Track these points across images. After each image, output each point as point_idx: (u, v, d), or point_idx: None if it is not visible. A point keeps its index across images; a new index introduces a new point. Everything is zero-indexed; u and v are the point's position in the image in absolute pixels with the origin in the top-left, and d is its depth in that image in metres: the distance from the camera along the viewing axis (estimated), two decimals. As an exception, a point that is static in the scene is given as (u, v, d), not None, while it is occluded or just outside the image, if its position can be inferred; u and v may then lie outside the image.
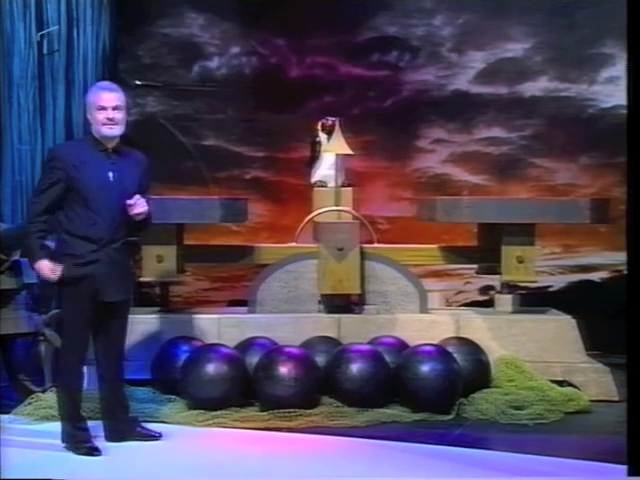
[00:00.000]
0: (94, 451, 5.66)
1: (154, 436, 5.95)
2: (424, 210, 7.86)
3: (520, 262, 7.34)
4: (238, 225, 8.62)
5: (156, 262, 7.19)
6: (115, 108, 5.61)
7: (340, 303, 7.46)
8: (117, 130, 5.63)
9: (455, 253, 7.75)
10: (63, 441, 5.75)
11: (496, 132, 9.42)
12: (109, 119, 5.58)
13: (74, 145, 5.81)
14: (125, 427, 5.91)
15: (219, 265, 8.67)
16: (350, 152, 7.84)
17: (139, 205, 5.60)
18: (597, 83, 9.30)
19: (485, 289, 9.06)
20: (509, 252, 7.35)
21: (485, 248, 7.62)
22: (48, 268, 5.57)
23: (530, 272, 7.38)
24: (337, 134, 7.80)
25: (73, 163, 5.55)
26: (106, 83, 5.88)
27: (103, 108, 5.59)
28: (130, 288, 5.94)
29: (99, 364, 5.87)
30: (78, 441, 5.71)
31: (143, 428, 5.99)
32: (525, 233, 7.34)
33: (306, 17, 9.23)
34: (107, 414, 5.91)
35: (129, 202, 5.58)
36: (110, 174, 5.61)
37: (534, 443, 5.86)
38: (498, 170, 9.38)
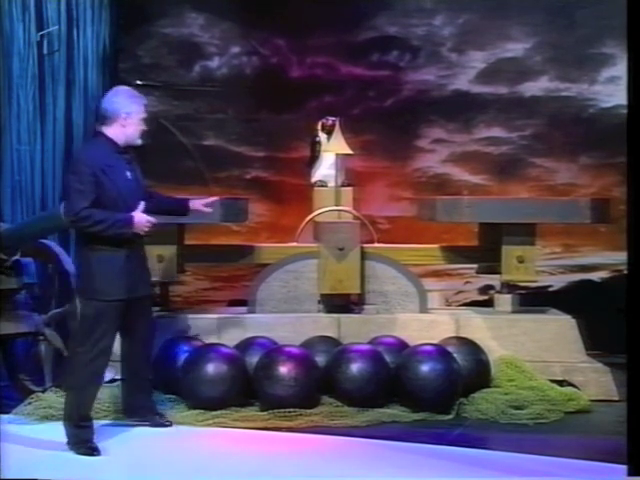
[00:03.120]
0: (94, 451, 5.68)
1: (166, 424, 6.20)
2: (424, 210, 7.86)
3: (520, 262, 7.34)
4: (238, 225, 8.62)
5: (156, 262, 7.18)
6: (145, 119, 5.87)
7: (340, 303, 7.46)
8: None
9: (455, 253, 7.75)
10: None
11: (496, 132, 9.41)
12: (144, 130, 5.84)
13: (95, 148, 5.83)
14: (143, 407, 6.18)
15: (219, 265, 8.68)
16: (350, 152, 7.84)
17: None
18: (597, 83, 9.29)
19: (485, 289, 9.05)
20: (509, 252, 7.35)
21: (485, 248, 7.62)
22: (145, 219, 5.70)
23: (530, 272, 7.38)
24: (337, 134, 7.81)
25: (100, 166, 5.66)
26: (136, 92, 5.98)
27: (144, 120, 5.82)
28: (151, 283, 6.21)
29: (126, 362, 6.06)
30: (79, 440, 5.73)
31: (158, 416, 6.24)
32: (525, 233, 7.34)
33: (306, 17, 9.22)
34: (131, 411, 6.17)
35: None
36: (128, 174, 5.81)
37: (534, 443, 5.87)
38: (498, 170, 9.37)
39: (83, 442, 5.72)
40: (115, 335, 5.84)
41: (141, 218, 5.70)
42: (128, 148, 5.86)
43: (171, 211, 6.27)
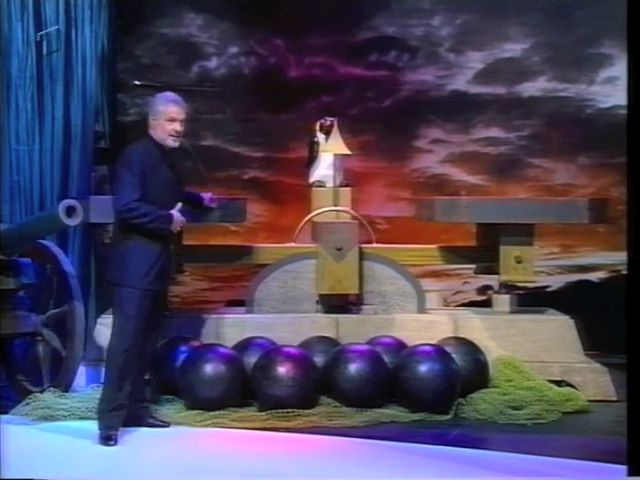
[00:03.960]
0: (109, 440, 5.85)
1: (163, 425, 6.25)
2: (423, 210, 7.86)
3: (518, 262, 7.34)
4: (237, 225, 8.61)
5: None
6: (182, 121, 6.03)
7: (338, 303, 7.46)
8: (179, 142, 6.07)
9: (453, 253, 7.75)
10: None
11: (494, 132, 9.41)
12: (176, 132, 6.01)
13: (145, 148, 6.10)
14: (138, 417, 6.19)
15: (218, 265, 8.68)
16: (348, 152, 7.84)
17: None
18: (596, 83, 9.29)
19: (483, 289, 9.05)
20: (507, 252, 7.35)
21: (484, 248, 7.62)
22: (181, 219, 6.03)
23: (528, 272, 7.39)
24: (335, 134, 7.81)
25: (149, 164, 5.96)
26: (176, 96, 6.18)
27: (173, 120, 6.00)
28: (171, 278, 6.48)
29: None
30: (109, 426, 5.89)
31: (154, 419, 6.28)
32: (523, 233, 7.35)
33: (305, 17, 9.22)
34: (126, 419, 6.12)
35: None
36: (169, 174, 6.08)
37: (532, 443, 5.87)
38: (496, 170, 9.37)
39: (110, 428, 5.88)
40: (144, 324, 5.94)
41: (179, 217, 6.02)
42: (170, 150, 6.07)
43: (190, 204, 6.57)
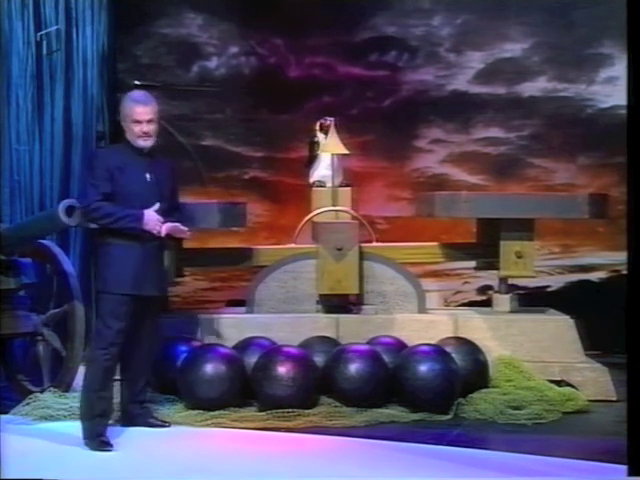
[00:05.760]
0: (106, 445, 5.76)
1: (163, 425, 6.21)
2: (423, 205, 7.86)
3: (519, 257, 7.33)
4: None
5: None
6: (149, 121, 5.90)
7: (338, 303, 7.46)
8: (151, 142, 5.96)
9: (453, 250, 7.74)
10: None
11: (494, 132, 9.42)
12: (144, 132, 5.89)
13: (114, 149, 6.14)
14: (138, 415, 6.17)
15: (218, 268, 8.69)
16: (346, 152, 7.82)
17: (175, 231, 5.96)
18: (595, 83, 9.29)
19: (483, 289, 9.05)
20: (508, 247, 7.35)
21: (484, 244, 7.61)
22: (156, 218, 5.81)
23: (529, 267, 7.38)
24: (332, 134, 7.79)
25: (116, 165, 5.84)
26: (140, 95, 6.08)
27: (138, 122, 5.88)
28: (165, 285, 6.24)
29: (126, 359, 6.04)
30: (93, 434, 5.80)
31: (154, 418, 6.24)
32: (524, 228, 7.34)
33: (304, 17, 9.23)
34: (123, 408, 6.17)
35: (164, 232, 5.88)
36: (147, 175, 5.92)
37: (532, 443, 5.86)
38: (496, 170, 9.38)
39: (96, 436, 5.79)
40: (124, 333, 5.86)
41: (152, 217, 5.80)
42: (152, 152, 5.98)
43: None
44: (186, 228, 6.03)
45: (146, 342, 6.10)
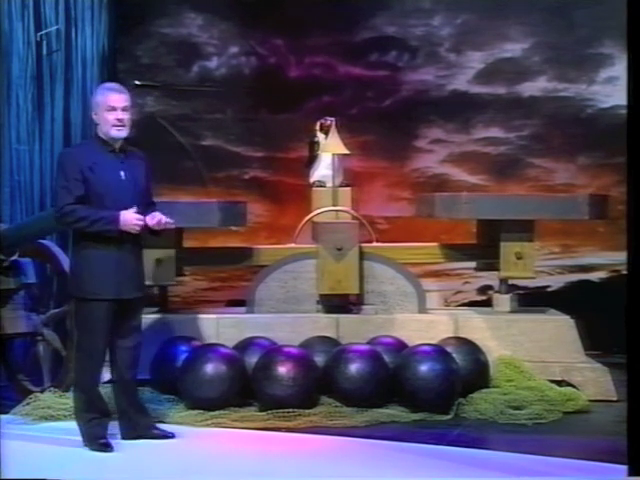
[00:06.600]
0: (106, 447, 5.69)
1: (168, 436, 5.99)
2: (423, 206, 7.86)
3: (519, 258, 7.33)
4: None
5: (155, 265, 7.15)
6: (124, 109, 5.73)
7: (339, 303, 7.46)
8: (125, 132, 5.75)
9: (454, 250, 7.74)
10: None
11: (494, 132, 9.42)
12: (119, 120, 5.69)
13: (83, 148, 5.93)
14: (140, 427, 5.95)
15: (218, 268, 8.69)
16: (346, 152, 7.82)
17: (161, 222, 5.74)
18: (596, 83, 9.30)
19: (483, 289, 9.06)
20: (508, 248, 7.35)
21: (484, 245, 7.61)
22: (134, 218, 5.62)
23: (529, 268, 7.38)
24: (333, 134, 7.79)
25: (87, 164, 5.65)
26: (114, 84, 5.98)
27: (113, 109, 5.70)
28: (144, 285, 6.00)
29: (114, 364, 5.89)
30: (91, 437, 5.74)
31: (158, 429, 6.03)
32: (524, 229, 7.33)
33: (305, 17, 9.23)
34: (120, 414, 5.96)
35: (152, 223, 5.69)
36: (122, 173, 5.74)
37: (533, 443, 5.86)
38: (496, 170, 9.38)
39: (95, 438, 5.73)
40: (106, 337, 5.73)
41: (129, 217, 5.61)
42: (125, 148, 5.79)
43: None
44: (170, 219, 5.80)
45: (130, 342, 5.86)
